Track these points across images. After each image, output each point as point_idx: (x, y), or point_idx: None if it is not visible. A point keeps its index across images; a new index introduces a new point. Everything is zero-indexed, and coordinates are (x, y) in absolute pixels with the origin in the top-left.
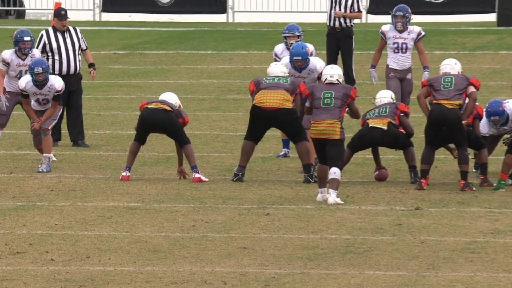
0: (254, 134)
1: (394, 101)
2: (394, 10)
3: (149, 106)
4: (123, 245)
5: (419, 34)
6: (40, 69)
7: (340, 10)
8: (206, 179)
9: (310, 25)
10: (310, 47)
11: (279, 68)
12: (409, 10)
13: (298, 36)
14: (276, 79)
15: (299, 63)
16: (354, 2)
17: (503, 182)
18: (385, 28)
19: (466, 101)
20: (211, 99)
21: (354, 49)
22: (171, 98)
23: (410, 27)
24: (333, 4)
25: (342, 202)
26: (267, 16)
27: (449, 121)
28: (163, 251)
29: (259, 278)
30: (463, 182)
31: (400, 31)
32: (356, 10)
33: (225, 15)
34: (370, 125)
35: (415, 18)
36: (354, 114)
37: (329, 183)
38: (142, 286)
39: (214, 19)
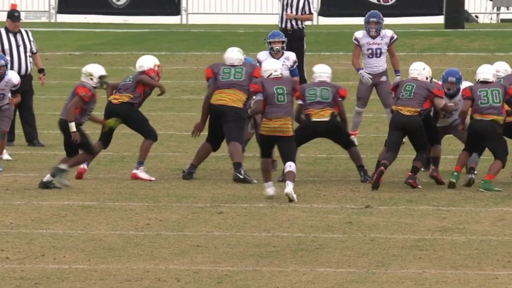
0: (210, 133)
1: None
2: (367, 16)
3: (111, 100)
4: (77, 243)
5: (392, 38)
6: (2, 62)
7: (291, 12)
8: (146, 178)
9: (262, 27)
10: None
11: (236, 55)
12: (381, 16)
13: (283, 42)
14: (232, 72)
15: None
16: (306, 4)
17: (455, 173)
18: (358, 34)
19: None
20: (165, 99)
21: (305, 51)
22: (141, 65)
23: (382, 32)
24: (285, 7)
25: (296, 200)
26: (220, 17)
27: (409, 128)
28: (117, 249)
29: (212, 276)
30: (410, 174)
31: (373, 37)
32: (308, 12)
33: (179, 16)
34: (312, 120)
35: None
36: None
37: (286, 176)
38: (96, 283)
39: (168, 21)
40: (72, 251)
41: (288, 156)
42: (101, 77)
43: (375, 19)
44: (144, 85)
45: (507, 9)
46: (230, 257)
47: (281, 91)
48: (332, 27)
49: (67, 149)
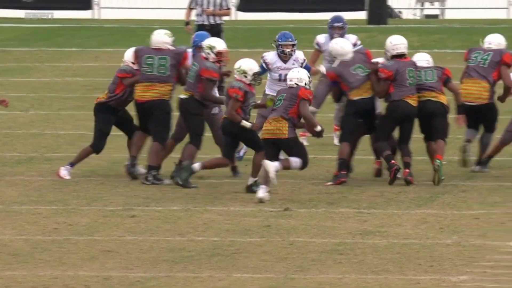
0: (143, 129)
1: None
2: (330, 21)
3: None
4: None
5: (355, 44)
6: None
7: (209, 7)
8: (67, 177)
9: (178, 22)
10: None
11: (161, 39)
12: (345, 20)
13: (294, 44)
14: (156, 64)
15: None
16: None
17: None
18: (320, 39)
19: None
20: (76, 97)
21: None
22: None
23: (345, 37)
24: (200, 2)
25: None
26: (134, 12)
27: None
28: (23, 254)
29: (124, 282)
30: (407, 171)
31: None
32: (225, 8)
33: (90, 11)
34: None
35: (286, 16)
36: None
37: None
38: None
39: (79, 16)
40: None
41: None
42: (255, 74)
43: (339, 24)
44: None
45: (431, 4)
46: (143, 262)
47: (281, 97)
48: (251, 22)
49: (229, 151)
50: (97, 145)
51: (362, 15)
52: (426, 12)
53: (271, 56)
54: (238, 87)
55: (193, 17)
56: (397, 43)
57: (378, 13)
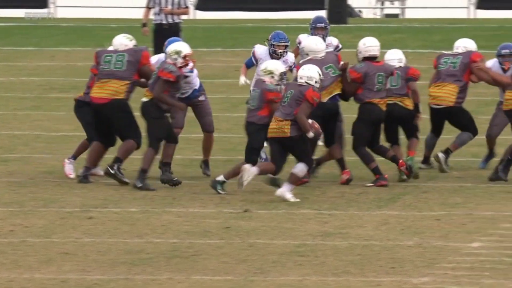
0: (98, 132)
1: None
2: (313, 21)
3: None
4: None
5: (337, 47)
6: None
7: (167, 6)
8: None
9: (136, 21)
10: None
11: (120, 41)
12: (327, 21)
13: (287, 46)
14: (113, 60)
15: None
16: None
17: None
18: (303, 39)
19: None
20: (32, 97)
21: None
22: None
23: (328, 39)
24: (158, 1)
25: (294, 199)
26: (91, 11)
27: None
28: None
29: (81, 285)
30: (402, 162)
31: None
32: (184, 6)
33: (46, 10)
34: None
35: (245, 15)
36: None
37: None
38: None
39: (35, 14)
40: None
41: (298, 158)
42: (281, 74)
43: (322, 24)
44: None
45: (392, 3)
46: (100, 265)
47: (288, 94)
48: (210, 21)
49: (251, 154)
50: (94, 138)
51: (322, 14)
52: (386, 11)
53: (261, 50)
54: (276, 90)
55: (151, 16)
56: (370, 45)
57: (338, 12)
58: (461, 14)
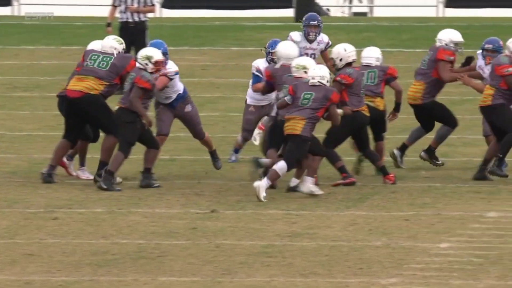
0: (66, 128)
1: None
2: (306, 19)
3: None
4: None
5: (328, 44)
6: None
7: (133, 4)
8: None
9: (100, 19)
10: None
11: (109, 43)
12: (320, 18)
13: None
14: (99, 59)
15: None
16: None
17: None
18: (295, 37)
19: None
20: None
21: (148, 44)
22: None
23: (319, 37)
24: None
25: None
26: (56, 9)
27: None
28: None
29: (45, 286)
30: (391, 175)
31: (311, 41)
32: (150, 4)
33: (10, 7)
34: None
35: (212, 13)
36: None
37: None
38: None
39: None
40: None
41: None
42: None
43: (315, 22)
44: None
45: (360, 2)
46: (65, 266)
47: (308, 96)
48: (176, 20)
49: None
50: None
51: (289, 12)
52: (355, 9)
53: (261, 63)
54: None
55: (117, 14)
56: (351, 50)
57: (305, 10)
58: (430, 12)
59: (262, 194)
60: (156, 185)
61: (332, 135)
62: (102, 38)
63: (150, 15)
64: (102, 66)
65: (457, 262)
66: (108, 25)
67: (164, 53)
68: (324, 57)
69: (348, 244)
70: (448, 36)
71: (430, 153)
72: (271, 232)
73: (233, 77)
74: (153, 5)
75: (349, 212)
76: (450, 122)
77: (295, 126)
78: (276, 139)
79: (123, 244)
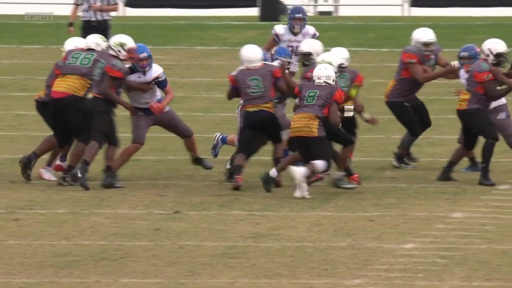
0: (54, 129)
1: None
2: (291, 11)
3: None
4: None
5: (314, 35)
6: None
7: (96, 3)
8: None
9: (63, 18)
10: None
11: (95, 39)
12: (305, 11)
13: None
14: (81, 57)
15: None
16: None
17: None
18: (279, 30)
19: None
20: None
21: None
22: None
23: (304, 29)
24: None
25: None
26: (16, 7)
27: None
28: None
29: None
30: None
31: (296, 34)
32: (113, 3)
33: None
34: None
35: (176, 12)
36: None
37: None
38: None
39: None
40: None
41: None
42: (339, 65)
43: (300, 15)
44: None
45: (325, 1)
46: (26, 268)
47: (313, 94)
48: (139, 18)
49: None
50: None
51: (254, 11)
52: (320, 8)
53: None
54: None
55: (79, 13)
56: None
57: (270, 9)
58: (395, 11)
59: (299, 179)
60: (119, 185)
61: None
62: (64, 37)
63: (113, 14)
64: (85, 63)
65: (422, 263)
66: (70, 24)
67: (149, 56)
68: None
69: (313, 245)
70: (415, 36)
71: (400, 159)
72: (234, 233)
73: (197, 76)
74: (116, 3)
75: (314, 213)
76: (409, 128)
77: (311, 127)
78: (247, 144)
79: (85, 245)
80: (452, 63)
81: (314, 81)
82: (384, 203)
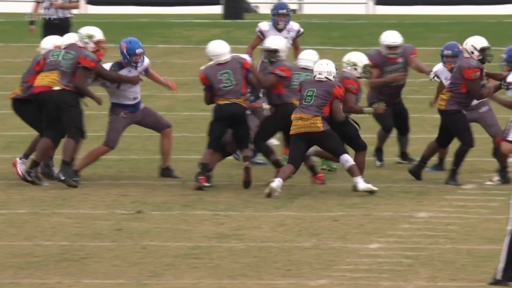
0: (44, 125)
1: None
2: (275, 8)
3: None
4: None
5: (299, 31)
6: None
7: (57, 0)
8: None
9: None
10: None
11: (73, 37)
12: (289, 7)
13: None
14: (61, 54)
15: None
16: None
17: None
18: (264, 27)
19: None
20: None
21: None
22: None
23: (288, 25)
24: None
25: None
26: None
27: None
28: None
29: None
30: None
31: (281, 30)
32: (74, 0)
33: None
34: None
35: (138, 10)
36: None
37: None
38: None
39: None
40: None
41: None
42: (365, 66)
43: (284, 10)
44: None
45: None
46: None
47: (310, 93)
48: (101, 16)
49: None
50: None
51: (217, 9)
52: None
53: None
54: (353, 79)
55: (40, 10)
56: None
57: (234, 8)
58: (360, 10)
59: (366, 187)
60: (74, 184)
61: (264, 129)
62: (25, 35)
63: (74, 11)
64: (66, 58)
65: (386, 263)
66: (31, 23)
67: (142, 53)
68: (295, 44)
69: (277, 245)
70: (381, 38)
71: (379, 155)
72: (198, 233)
73: (160, 75)
74: (77, 1)
75: (278, 213)
76: (382, 125)
77: (315, 123)
78: (216, 139)
79: (46, 246)
80: (430, 76)
81: (314, 76)
82: (349, 202)
